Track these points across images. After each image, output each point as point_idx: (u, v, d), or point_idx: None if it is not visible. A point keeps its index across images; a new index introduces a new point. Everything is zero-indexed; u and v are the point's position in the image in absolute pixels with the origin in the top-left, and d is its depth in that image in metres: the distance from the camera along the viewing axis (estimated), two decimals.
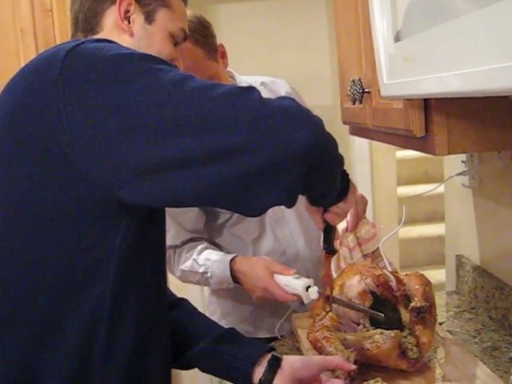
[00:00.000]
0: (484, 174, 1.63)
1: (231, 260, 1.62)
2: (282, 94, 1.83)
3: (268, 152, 0.86)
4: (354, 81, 1.29)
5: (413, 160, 4.76)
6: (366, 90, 1.25)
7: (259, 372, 1.19)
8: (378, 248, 1.58)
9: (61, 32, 2.89)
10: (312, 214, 1.21)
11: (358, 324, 1.33)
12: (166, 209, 1.14)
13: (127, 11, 1.14)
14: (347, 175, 1.14)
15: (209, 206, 1.54)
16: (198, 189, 0.89)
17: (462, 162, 1.73)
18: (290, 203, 0.95)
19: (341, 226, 1.57)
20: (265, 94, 1.79)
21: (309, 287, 1.37)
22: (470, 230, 1.76)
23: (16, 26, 2.87)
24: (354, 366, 1.17)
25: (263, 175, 0.88)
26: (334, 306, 1.35)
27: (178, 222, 1.69)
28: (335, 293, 1.34)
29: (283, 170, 0.88)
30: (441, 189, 1.94)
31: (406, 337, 1.27)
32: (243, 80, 1.81)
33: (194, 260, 1.67)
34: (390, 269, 1.40)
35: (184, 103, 0.88)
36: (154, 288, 1.10)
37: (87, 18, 1.16)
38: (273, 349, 1.26)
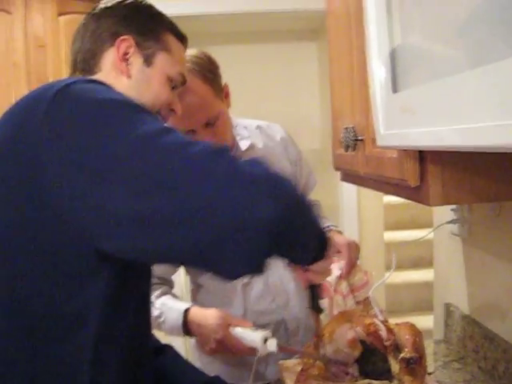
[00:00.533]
0: (473, 223, 1.63)
1: (186, 310, 1.59)
2: (277, 138, 1.84)
3: (230, 220, 0.83)
4: (347, 128, 1.29)
5: (399, 205, 4.78)
6: (359, 137, 1.25)
7: None
8: (369, 296, 1.57)
9: (53, 67, 2.92)
10: (294, 272, 1.20)
11: (347, 373, 1.31)
12: None
13: (126, 53, 1.14)
14: (324, 234, 1.13)
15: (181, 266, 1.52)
16: (163, 250, 0.87)
17: (452, 210, 1.74)
18: (257, 271, 0.92)
19: (335, 273, 1.56)
20: (260, 137, 1.81)
21: (266, 339, 1.35)
22: (459, 279, 1.76)
23: (9, 59, 2.89)
24: None
25: (226, 242, 0.84)
26: (322, 353, 1.33)
27: None
28: (326, 340, 1.33)
29: (246, 238, 0.84)
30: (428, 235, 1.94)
31: None
32: (240, 123, 1.82)
33: (152, 302, 1.64)
34: (381, 317, 1.38)
35: (153, 159, 0.85)
36: (138, 335, 1.07)
37: (86, 59, 1.16)
38: None
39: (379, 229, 3.80)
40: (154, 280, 1.67)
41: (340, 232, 1.76)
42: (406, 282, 4.50)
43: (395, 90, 0.83)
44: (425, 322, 2.82)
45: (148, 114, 0.93)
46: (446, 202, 0.95)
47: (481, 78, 0.54)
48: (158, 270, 1.67)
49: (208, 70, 1.58)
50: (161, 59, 1.17)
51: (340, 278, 1.56)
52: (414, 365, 1.25)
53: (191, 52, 1.55)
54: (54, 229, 0.89)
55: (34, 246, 0.90)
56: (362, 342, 1.29)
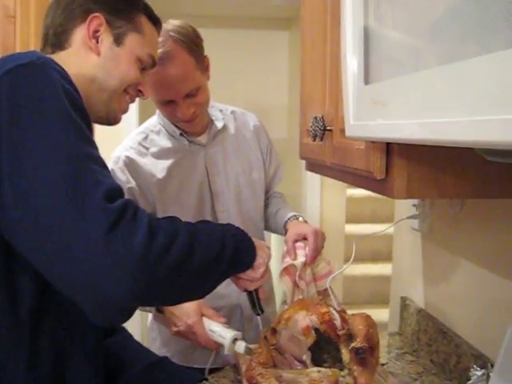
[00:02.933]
0: (434, 219, 1.66)
1: None
2: (250, 126, 1.86)
3: (89, 290, 0.87)
4: (316, 117, 1.29)
5: (361, 199, 4.83)
6: (328, 127, 1.26)
7: None
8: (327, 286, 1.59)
9: (21, 40, 2.85)
10: (231, 279, 1.23)
11: (300, 361, 1.32)
12: None
13: (97, 31, 1.14)
14: (250, 245, 1.16)
15: None
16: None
17: (414, 205, 1.76)
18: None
19: (300, 259, 1.57)
20: (233, 122, 1.83)
21: (236, 340, 1.36)
22: (416, 273, 1.79)
23: None
24: None
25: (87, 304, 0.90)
26: (278, 339, 1.34)
27: None
28: (281, 327, 1.34)
29: (103, 311, 0.90)
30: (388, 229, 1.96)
31: (344, 376, 1.26)
32: (215, 105, 1.82)
33: None
34: (337, 308, 1.40)
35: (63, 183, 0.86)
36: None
37: (57, 34, 1.15)
38: (204, 379, 1.26)
39: (341, 221, 3.83)
40: None
41: (306, 221, 1.77)
42: (364, 274, 4.56)
43: (367, 81, 0.83)
44: (380, 314, 2.87)
45: (82, 131, 0.92)
46: (410, 195, 0.96)
47: (450, 75, 0.55)
48: None
49: (193, 42, 1.58)
50: (131, 40, 1.17)
51: (304, 264, 1.57)
52: (364, 355, 1.26)
53: (176, 22, 1.55)
54: None
55: None
56: (317, 331, 1.30)
